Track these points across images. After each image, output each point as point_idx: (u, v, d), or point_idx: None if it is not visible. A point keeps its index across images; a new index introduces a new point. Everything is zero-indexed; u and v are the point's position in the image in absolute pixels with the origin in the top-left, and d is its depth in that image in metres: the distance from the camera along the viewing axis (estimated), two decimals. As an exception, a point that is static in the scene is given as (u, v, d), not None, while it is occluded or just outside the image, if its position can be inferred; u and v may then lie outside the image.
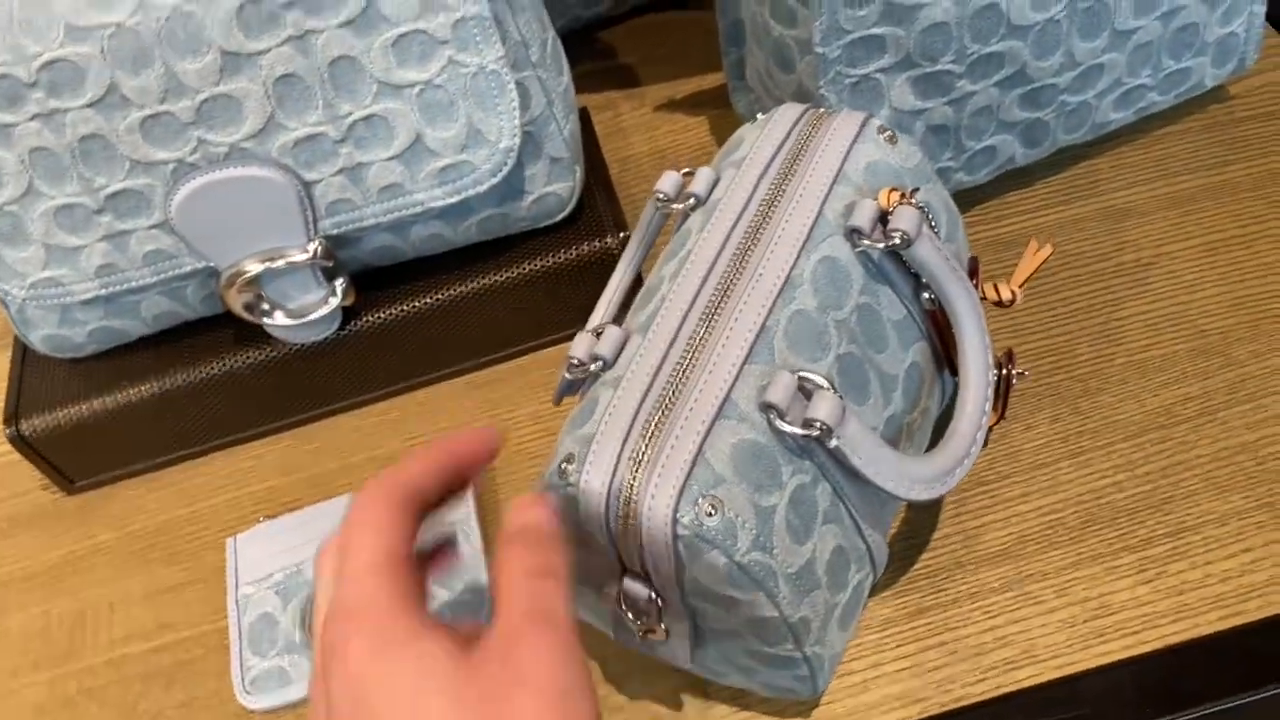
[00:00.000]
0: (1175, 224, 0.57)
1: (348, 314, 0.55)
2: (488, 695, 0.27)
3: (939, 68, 0.51)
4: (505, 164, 0.51)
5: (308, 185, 0.50)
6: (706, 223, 0.40)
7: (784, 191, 0.40)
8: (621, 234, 0.56)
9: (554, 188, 0.55)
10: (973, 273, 0.42)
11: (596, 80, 0.72)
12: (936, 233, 0.40)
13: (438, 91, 0.48)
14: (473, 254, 0.56)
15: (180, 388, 0.56)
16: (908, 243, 0.38)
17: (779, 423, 0.35)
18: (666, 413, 0.35)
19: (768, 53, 0.56)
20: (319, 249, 0.51)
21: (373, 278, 0.56)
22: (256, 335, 0.55)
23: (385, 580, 0.30)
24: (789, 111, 0.43)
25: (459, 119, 0.49)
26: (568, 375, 0.39)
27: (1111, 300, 0.55)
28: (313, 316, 0.54)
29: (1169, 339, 0.53)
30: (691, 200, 0.42)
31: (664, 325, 0.37)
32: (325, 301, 0.54)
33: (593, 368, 0.38)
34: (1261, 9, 0.57)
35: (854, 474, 0.36)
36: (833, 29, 0.49)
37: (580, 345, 0.38)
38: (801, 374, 0.36)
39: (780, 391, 0.35)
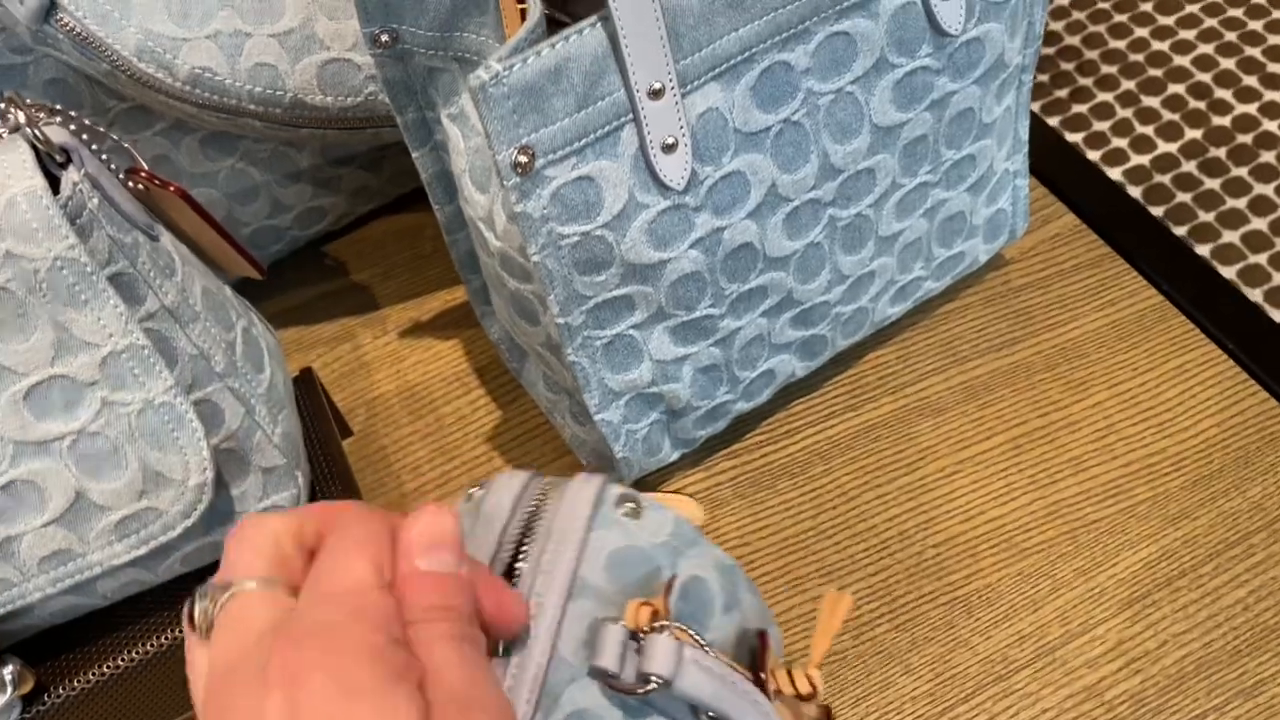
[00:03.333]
0: (975, 420, 0.53)
1: (29, 699, 0.44)
2: None
3: (697, 314, 0.45)
4: (199, 501, 0.41)
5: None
6: None
7: None
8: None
9: (274, 499, 0.46)
10: (760, 662, 0.34)
11: (329, 306, 0.63)
12: (703, 642, 0.30)
13: (95, 440, 0.39)
14: (180, 585, 0.46)
15: None
16: (668, 684, 0.30)
17: None
18: None
19: (506, 301, 0.48)
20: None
21: (59, 636, 0.45)
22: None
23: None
24: (504, 492, 0.32)
25: (128, 465, 0.40)
26: None
27: (924, 523, 0.50)
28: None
29: (990, 565, 0.48)
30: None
31: None
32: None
33: None
34: (1024, 180, 0.54)
35: None
36: (571, 298, 0.42)
37: None
38: None
39: None
